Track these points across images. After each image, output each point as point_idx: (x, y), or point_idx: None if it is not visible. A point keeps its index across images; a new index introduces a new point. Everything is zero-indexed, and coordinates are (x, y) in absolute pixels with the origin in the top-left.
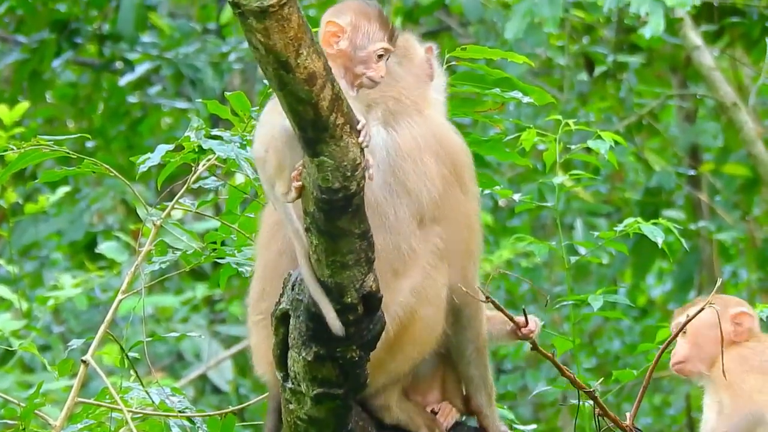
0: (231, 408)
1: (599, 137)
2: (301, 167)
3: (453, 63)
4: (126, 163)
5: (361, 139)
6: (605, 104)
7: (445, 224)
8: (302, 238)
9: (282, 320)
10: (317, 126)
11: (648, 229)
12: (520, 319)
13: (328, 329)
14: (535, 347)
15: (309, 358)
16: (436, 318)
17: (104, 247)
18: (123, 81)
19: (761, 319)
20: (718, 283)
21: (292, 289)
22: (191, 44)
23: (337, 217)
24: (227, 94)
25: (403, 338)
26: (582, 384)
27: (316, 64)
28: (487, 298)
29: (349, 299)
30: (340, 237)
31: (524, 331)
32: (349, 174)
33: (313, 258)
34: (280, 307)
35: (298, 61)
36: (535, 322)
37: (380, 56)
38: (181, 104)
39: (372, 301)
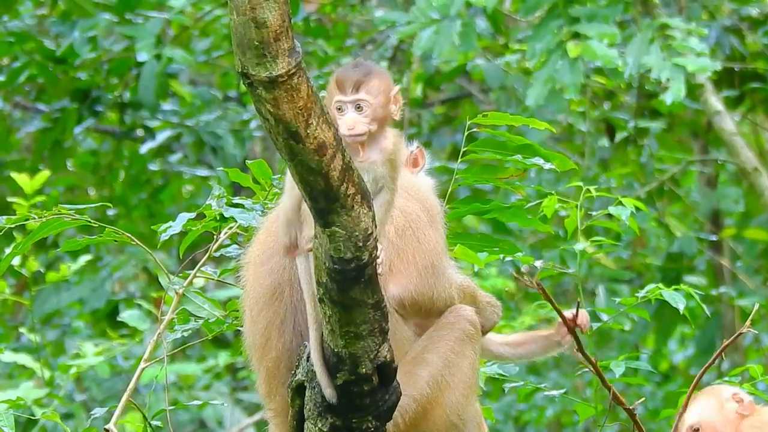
0: None
1: (620, 203)
2: (312, 237)
3: (474, 129)
4: (147, 232)
5: (379, 270)
6: (626, 170)
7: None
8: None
9: (298, 391)
10: (328, 196)
11: (669, 295)
12: (569, 313)
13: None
14: (579, 349)
15: (325, 429)
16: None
17: (126, 316)
18: (144, 149)
19: None
20: (727, 343)
21: (307, 360)
22: (212, 112)
23: (350, 287)
24: (248, 162)
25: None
26: (621, 399)
27: (326, 133)
28: (537, 285)
29: (364, 369)
30: (353, 307)
31: (576, 322)
32: (360, 244)
33: (327, 328)
34: (296, 378)
35: (308, 131)
36: (585, 317)
37: (339, 109)
38: (202, 172)
39: (387, 371)
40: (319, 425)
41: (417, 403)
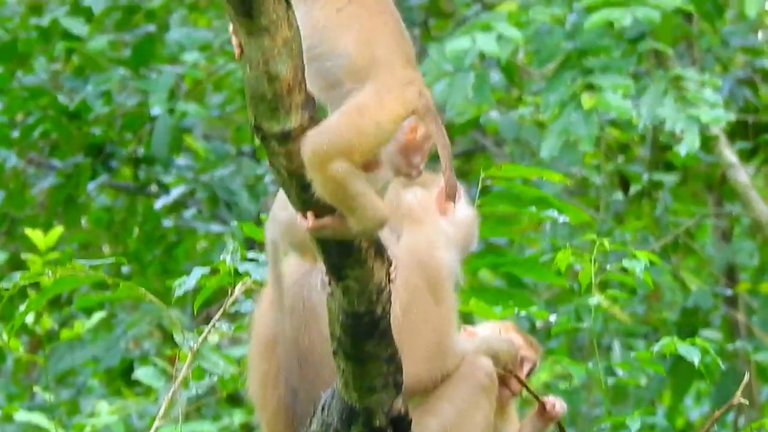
0: None
1: (635, 257)
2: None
3: (489, 182)
4: (162, 288)
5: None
6: (641, 223)
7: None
8: None
9: None
10: (342, 250)
11: (685, 349)
12: (547, 399)
13: None
14: (560, 429)
15: None
16: None
17: (141, 373)
18: (158, 204)
19: None
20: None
21: (322, 412)
22: (226, 167)
23: (364, 341)
24: (263, 216)
25: None
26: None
27: None
28: (517, 379)
29: (378, 423)
30: (367, 361)
31: (549, 409)
32: (374, 298)
33: (341, 381)
34: (311, 429)
35: None
36: (561, 405)
37: None
38: (217, 227)
39: (401, 425)
40: None
41: None
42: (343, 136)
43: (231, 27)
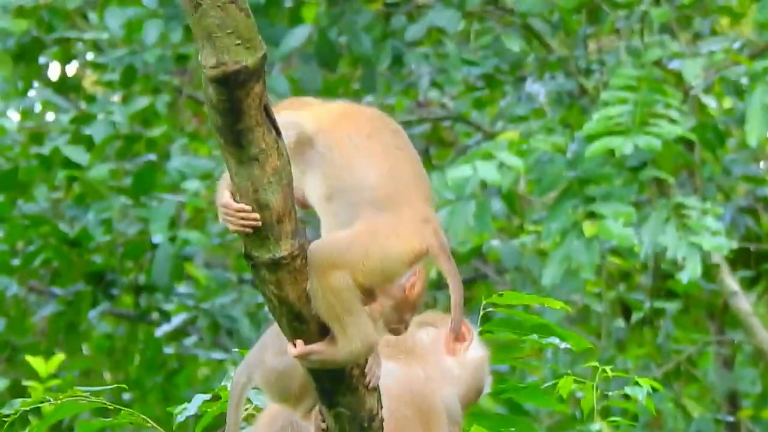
0: None
1: (637, 384)
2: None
3: (490, 309)
4: (163, 414)
5: (366, 380)
6: (643, 351)
7: None
8: None
9: None
10: (333, 377)
11: None
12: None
13: None
14: None
15: None
16: None
17: None
18: (159, 332)
19: None
20: None
21: None
22: (227, 294)
23: None
24: None
25: None
26: None
27: None
28: None
29: None
30: None
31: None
32: (366, 424)
33: None
34: None
35: (312, 312)
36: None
37: None
38: (218, 355)
39: None
40: None
41: None
42: (352, 252)
43: (216, 194)
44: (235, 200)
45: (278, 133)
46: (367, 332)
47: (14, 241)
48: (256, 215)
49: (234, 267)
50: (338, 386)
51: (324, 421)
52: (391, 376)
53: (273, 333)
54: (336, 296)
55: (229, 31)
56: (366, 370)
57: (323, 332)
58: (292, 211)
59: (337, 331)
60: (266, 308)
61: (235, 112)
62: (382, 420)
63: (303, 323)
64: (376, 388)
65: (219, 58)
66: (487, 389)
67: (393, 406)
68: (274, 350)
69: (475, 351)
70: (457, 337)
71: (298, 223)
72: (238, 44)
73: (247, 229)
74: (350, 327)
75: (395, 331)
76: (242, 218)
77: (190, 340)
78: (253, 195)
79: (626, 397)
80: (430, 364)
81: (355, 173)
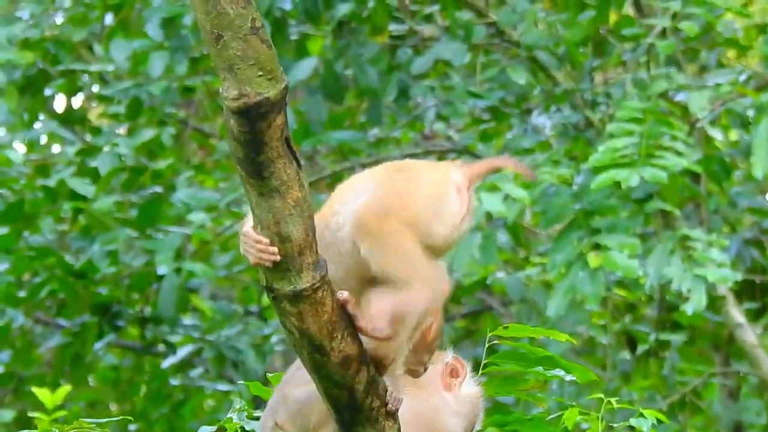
0: None
1: (642, 415)
2: None
3: (495, 342)
4: None
5: (389, 406)
6: (648, 383)
7: None
8: None
9: None
10: (353, 409)
11: None
12: None
13: None
14: None
15: None
16: None
17: None
18: (165, 364)
19: None
20: None
21: None
22: (233, 326)
23: None
24: (269, 375)
25: None
26: None
27: (351, 347)
28: None
29: None
30: None
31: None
32: None
33: None
34: None
35: (333, 345)
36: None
37: None
38: (224, 386)
39: None
40: None
41: None
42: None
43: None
44: (256, 232)
45: (299, 165)
46: (435, 276)
47: (20, 272)
48: (275, 249)
49: (240, 299)
50: (357, 417)
51: None
52: (403, 407)
53: (294, 367)
54: (395, 242)
55: (251, 62)
56: (387, 395)
57: (344, 365)
58: (313, 243)
59: (407, 280)
60: (272, 340)
61: (257, 144)
62: None
63: (324, 355)
64: (396, 419)
65: (241, 89)
66: (479, 426)
67: None
68: (296, 383)
69: (470, 387)
70: (452, 372)
71: (319, 255)
72: (260, 76)
73: (266, 263)
74: (422, 269)
75: (414, 373)
76: (261, 251)
77: (195, 372)
78: (274, 227)
79: (631, 428)
80: (434, 396)
81: None
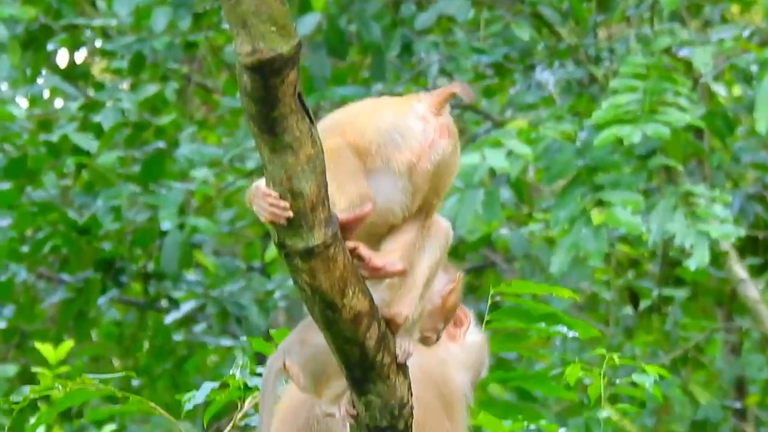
0: None
1: (644, 371)
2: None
3: (498, 298)
4: (172, 401)
5: (399, 357)
6: (650, 338)
7: None
8: None
9: None
10: (364, 365)
11: None
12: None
13: None
14: None
15: None
16: None
17: None
18: (168, 319)
19: None
20: None
21: None
22: (236, 282)
23: None
24: (272, 331)
25: None
26: None
27: (362, 303)
28: None
29: None
30: None
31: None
32: (396, 413)
33: None
34: None
35: (344, 301)
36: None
37: None
38: (227, 342)
39: None
40: None
41: None
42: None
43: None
44: (268, 189)
45: (312, 121)
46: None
47: (23, 228)
48: (287, 204)
49: (243, 255)
50: (369, 374)
51: (354, 408)
52: (411, 361)
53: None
54: (330, 158)
55: (264, 18)
56: (396, 347)
57: (355, 321)
58: (325, 199)
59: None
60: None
61: (270, 100)
62: (412, 408)
63: (335, 312)
64: (407, 375)
65: (254, 45)
66: (485, 373)
67: (417, 393)
68: (317, 329)
69: (474, 335)
70: (455, 322)
71: (331, 212)
72: (273, 31)
73: (280, 220)
74: (348, 187)
75: (427, 340)
76: (273, 205)
77: (199, 328)
78: (287, 183)
79: (634, 384)
80: (440, 350)
81: None
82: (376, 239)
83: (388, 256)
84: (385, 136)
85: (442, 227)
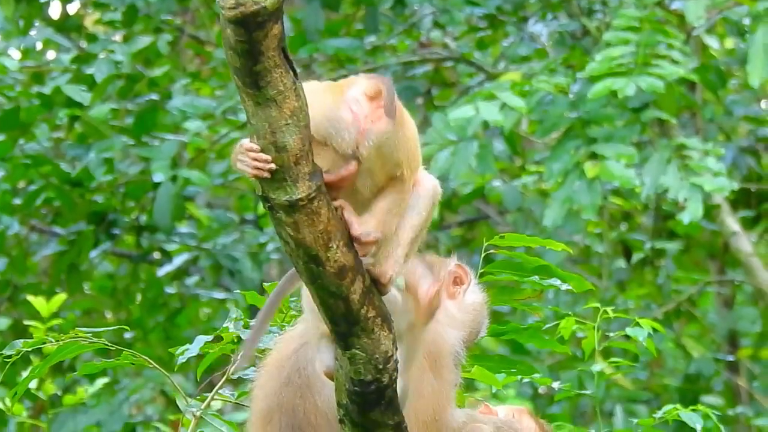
0: None
1: (638, 324)
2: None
3: (491, 251)
4: (165, 354)
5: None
6: (643, 291)
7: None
8: None
9: None
10: (348, 319)
11: (687, 415)
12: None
13: None
14: None
15: None
16: None
17: None
18: (161, 272)
19: None
20: None
21: None
22: (229, 235)
23: (370, 409)
24: (265, 284)
25: None
26: None
27: (347, 257)
28: None
29: None
30: (373, 429)
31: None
32: (381, 366)
33: None
34: None
35: (328, 255)
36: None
37: None
38: (220, 295)
39: None
40: None
41: None
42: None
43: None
44: (252, 143)
45: (296, 74)
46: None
47: (16, 180)
48: (269, 157)
49: (236, 207)
50: (353, 328)
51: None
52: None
53: None
54: None
55: None
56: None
57: (339, 275)
58: (309, 153)
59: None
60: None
61: (254, 54)
62: (397, 362)
63: (319, 265)
64: (392, 329)
65: None
66: (484, 332)
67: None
68: None
69: (474, 294)
70: (456, 280)
71: (315, 165)
72: None
73: (263, 173)
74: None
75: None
76: (255, 159)
77: (191, 280)
78: (270, 137)
79: (627, 337)
80: None
81: None
82: (360, 205)
83: (365, 224)
84: (320, 128)
85: (427, 186)
